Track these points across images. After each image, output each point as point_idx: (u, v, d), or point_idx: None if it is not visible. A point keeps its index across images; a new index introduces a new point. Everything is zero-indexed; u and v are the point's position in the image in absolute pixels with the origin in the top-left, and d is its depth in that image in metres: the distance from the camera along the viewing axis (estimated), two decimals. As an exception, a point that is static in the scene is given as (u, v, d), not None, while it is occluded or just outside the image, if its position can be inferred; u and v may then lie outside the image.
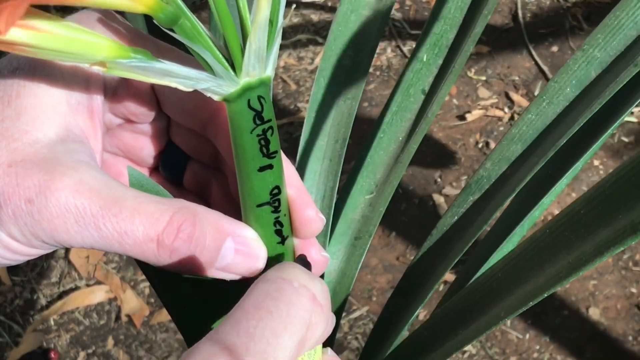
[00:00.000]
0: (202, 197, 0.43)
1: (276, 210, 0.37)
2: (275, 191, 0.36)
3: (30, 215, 0.33)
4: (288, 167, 0.38)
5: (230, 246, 0.36)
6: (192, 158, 0.43)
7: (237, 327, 0.29)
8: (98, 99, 0.37)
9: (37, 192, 0.33)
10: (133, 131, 0.41)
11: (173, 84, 0.33)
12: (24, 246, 0.34)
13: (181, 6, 0.31)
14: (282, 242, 0.38)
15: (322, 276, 0.53)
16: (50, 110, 0.35)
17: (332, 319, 0.34)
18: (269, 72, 0.34)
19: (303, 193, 0.39)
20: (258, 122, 0.34)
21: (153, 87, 0.38)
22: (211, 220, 0.35)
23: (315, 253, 0.40)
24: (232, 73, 0.33)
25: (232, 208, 0.42)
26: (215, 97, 0.34)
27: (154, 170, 0.43)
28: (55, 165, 0.33)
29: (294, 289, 0.31)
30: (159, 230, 0.34)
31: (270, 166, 0.35)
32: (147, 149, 0.42)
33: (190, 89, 0.33)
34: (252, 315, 0.29)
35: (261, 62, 0.33)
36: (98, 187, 0.33)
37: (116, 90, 0.38)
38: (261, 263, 0.37)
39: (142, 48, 0.33)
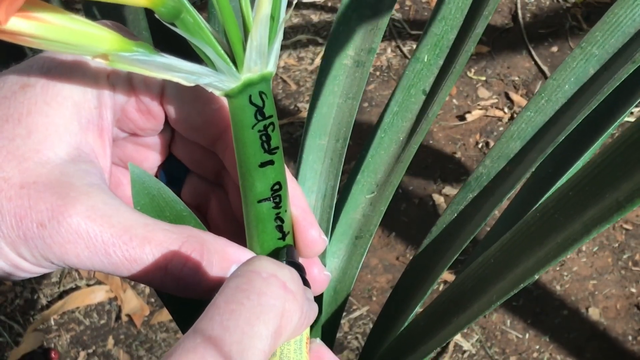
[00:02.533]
0: (200, 211, 0.43)
1: (277, 206, 0.37)
2: (276, 187, 0.36)
3: (42, 238, 0.33)
4: (294, 188, 0.39)
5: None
6: (192, 172, 0.43)
7: (211, 322, 0.30)
8: (108, 117, 0.37)
9: (49, 217, 0.33)
10: (136, 143, 0.41)
11: (175, 79, 0.33)
12: (33, 265, 0.34)
13: (182, 0, 0.32)
14: (283, 237, 0.38)
15: (321, 294, 0.54)
16: (61, 129, 0.35)
17: (314, 307, 0.34)
18: (271, 68, 0.34)
19: (307, 214, 0.40)
20: (259, 117, 0.34)
21: (162, 102, 0.39)
22: (218, 248, 0.36)
23: (318, 272, 0.41)
24: (234, 68, 0.33)
25: (229, 223, 0.42)
26: (217, 93, 0.34)
27: None
28: (68, 190, 0.33)
29: (263, 279, 0.31)
30: (168, 259, 0.34)
31: (272, 162, 0.36)
32: (148, 161, 0.42)
33: (192, 84, 0.33)
34: (225, 309, 0.30)
35: (263, 58, 0.33)
36: (110, 213, 0.34)
37: (125, 106, 0.38)
38: None
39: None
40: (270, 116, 0.35)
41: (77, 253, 0.33)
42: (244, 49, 0.33)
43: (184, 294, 0.36)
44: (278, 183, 0.36)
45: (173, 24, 0.32)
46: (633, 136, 0.33)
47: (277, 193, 0.37)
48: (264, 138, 0.35)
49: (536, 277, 0.36)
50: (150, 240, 0.34)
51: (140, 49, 0.32)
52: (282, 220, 0.38)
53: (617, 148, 0.34)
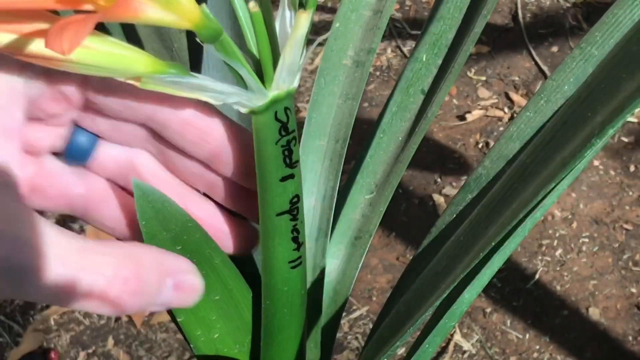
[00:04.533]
0: (114, 180, 0.40)
1: (294, 218, 0.37)
2: (295, 200, 0.37)
3: None
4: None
5: (169, 284, 0.35)
6: (103, 140, 0.39)
7: None
8: (18, 117, 0.33)
9: None
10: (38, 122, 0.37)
11: (204, 98, 0.33)
12: None
13: (220, 25, 0.32)
14: (298, 248, 0.38)
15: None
16: None
17: None
18: (296, 83, 0.34)
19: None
20: (283, 133, 0.35)
21: (83, 89, 0.35)
22: (154, 263, 0.34)
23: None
24: (263, 87, 0.34)
25: (159, 183, 0.39)
26: (243, 110, 0.34)
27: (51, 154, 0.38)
28: None
29: None
30: (105, 285, 0.32)
31: (292, 176, 0.36)
32: (49, 138, 0.37)
33: (220, 102, 0.34)
34: None
35: (292, 76, 0.34)
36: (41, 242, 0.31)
37: (38, 98, 0.34)
38: (198, 294, 0.36)
39: None
40: (293, 130, 0.35)
41: (2, 288, 0.30)
42: (274, 68, 0.33)
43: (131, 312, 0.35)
44: (297, 196, 0.37)
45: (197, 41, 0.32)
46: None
47: (296, 205, 0.37)
48: (286, 153, 0.35)
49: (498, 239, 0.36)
50: (84, 267, 0.32)
51: (173, 70, 0.32)
52: (298, 232, 0.38)
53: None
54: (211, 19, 0.31)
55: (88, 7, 0.28)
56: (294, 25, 0.32)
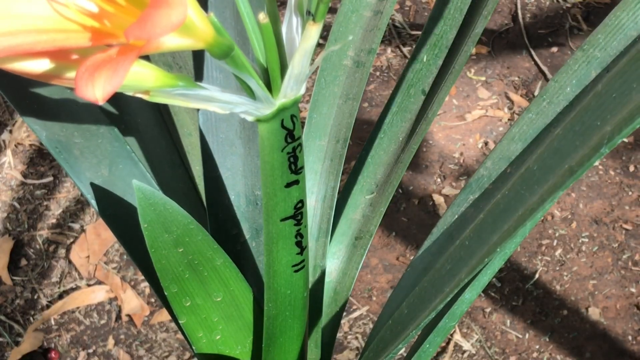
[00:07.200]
0: None
1: (298, 223, 0.37)
2: (299, 205, 0.37)
3: None
4: None
5: None
6: None
7: None
8: None
9: None
10: None
11: (212, 108, 0.34)
12: None
13: (232, 40, 0.32)
14: (301, 252, 0.39)
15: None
16: None
17: None
18: (302, 91, 0.34)
19: None
20: (289, 140, 0.35)
21: None
22: None
23: None
24: (270, 96, 0.34)
25: None
26: (249, 118, 0.34)
27: None
28: None
29: None
30: None
31: (297, 182, 0.36)
32: None
33: (228, 112, 0.34)
34: None
35: (299, 84, 0.34)
36: None
37: None
38: None
39: None
40: (299, 137, 0.35)
41: None
42: (282, 77, 0.33)
43: None
44: (301, 201, 0.37)
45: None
46: None
47: (300, 211, 0.37)
48: (292, 160, 0.35)
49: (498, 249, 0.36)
50: None
51: (182, 83, 0.32)
52: (302, 236, 0.38)
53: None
54: (224, 35, 0.31)
55: (112, 41, 0.28)
56: (303, 36, 0.32)
